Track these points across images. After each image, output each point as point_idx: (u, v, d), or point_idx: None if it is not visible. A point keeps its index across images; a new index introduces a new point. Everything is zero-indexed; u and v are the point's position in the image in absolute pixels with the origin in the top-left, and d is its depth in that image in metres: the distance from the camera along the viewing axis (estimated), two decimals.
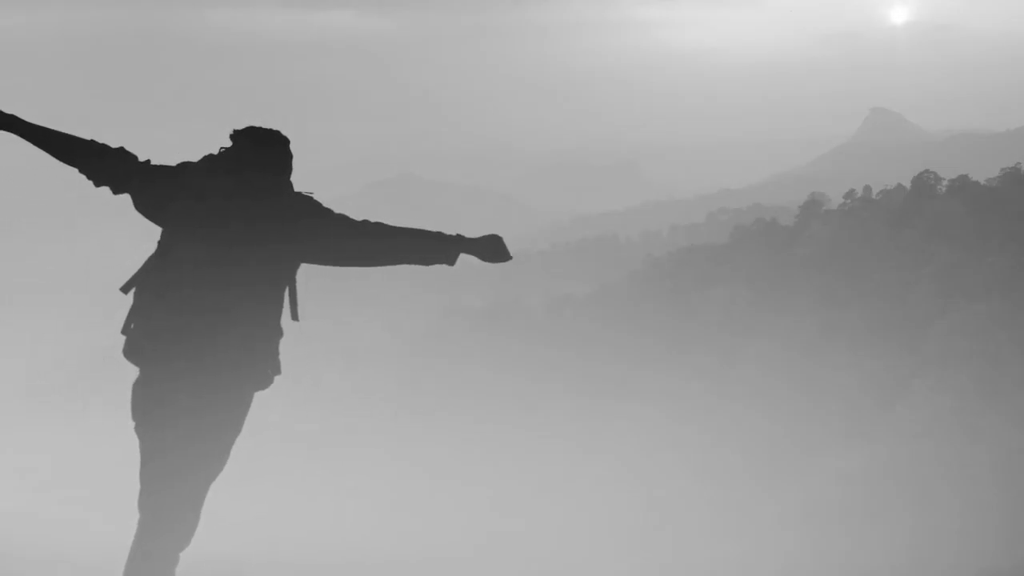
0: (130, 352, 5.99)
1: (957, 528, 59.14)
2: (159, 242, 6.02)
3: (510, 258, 6.12)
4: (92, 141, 6.02)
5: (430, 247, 6.07)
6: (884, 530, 61.62)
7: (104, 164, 5.97)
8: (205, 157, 6.06)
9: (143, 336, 5.94)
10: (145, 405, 5.98)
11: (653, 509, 70.02)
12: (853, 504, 64.97)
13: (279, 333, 6.13)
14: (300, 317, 6.27)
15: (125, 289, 6.01)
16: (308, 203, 6.08)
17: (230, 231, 5.93)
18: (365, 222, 6.09)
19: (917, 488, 64.73)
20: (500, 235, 6.11)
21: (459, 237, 6.10)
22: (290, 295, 6.16)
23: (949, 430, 68.36)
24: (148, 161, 6.04)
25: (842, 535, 61.67)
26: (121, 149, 6.03)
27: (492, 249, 6.06)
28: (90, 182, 6.13)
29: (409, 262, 6.13)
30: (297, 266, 6.14)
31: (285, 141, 6.13)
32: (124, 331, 6.00)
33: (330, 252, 6.06)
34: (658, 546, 61.92)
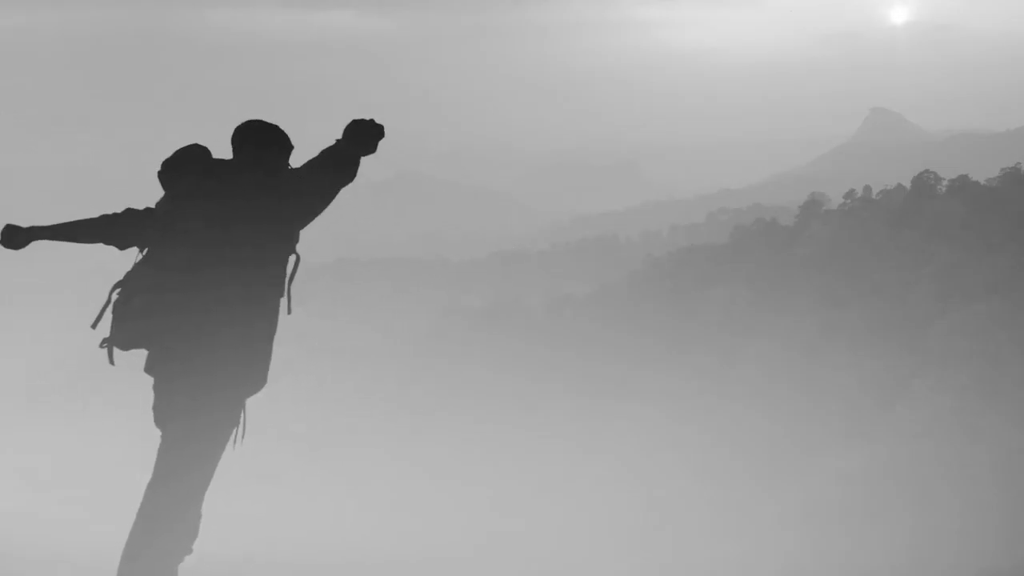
0: (147, 367, 6.05)
1: (957, 528, 59.13)
2: (147, 251, 6.07)
3: (381, 135, 6.13)
4: (102, 216, 6.14)
5: (338, 165, 6.23)
6: (884, 530, 61.61)
7: (121, 231, 6.13)
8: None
9: (140, 340, 5.98)
10: (154, 409, 6.03)
11: (653, 509, 70.01)
12: (853, 504, 64.95)
13: (273, 334, 6.14)
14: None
15: (94, 324, 6.12)
16: (291, 186, 6.15)
17: (227, 232, 5.95)
18: (308, 170, 6.21)
19: (917, 488, 64.72)
20: (365, 117, 6.12)
21: (339, 143, 6.24)
22: (286, 292, 6.20)
23: (949, 430, 68.35)
24: (149, 208, 6.16)
25: (842, 535, 61.65)
26: (128, 210, 6.15)
27: (359, 137, 6.15)
28: (115, 249, 6.31)
29: (343, 186, 6.27)
30: (293, 264, 6.18)
31: (280, 141, 6.17)
32: (102, 344, 6.05)
33: (302, 217, 6.20)
34: (658, 546, 61.91)
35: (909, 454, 67.37)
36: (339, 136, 6.29)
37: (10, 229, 5.95)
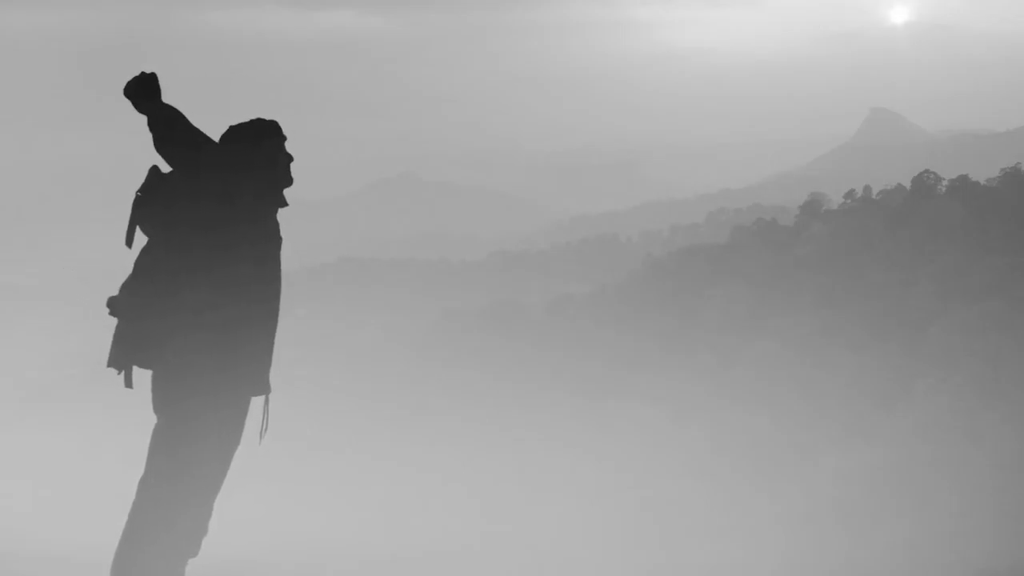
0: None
1: (955, 528, 59.16)
2: (136, 261, 6.06)
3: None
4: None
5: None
6: (883, 530, 61.63)
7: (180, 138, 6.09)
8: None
9: (131, 351, 5.97)
10: (152, 402, 6.03)
11: (653, 509, 70.01)
12: (853, 504, 64.97)
13: (273, 333, 6.13)
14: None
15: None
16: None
17: (221, 235, 5.94)
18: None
19: (916, 488, 64.74)
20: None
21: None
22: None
23: (948, 430, 68.36)
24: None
25: (841, 535, 61.67)
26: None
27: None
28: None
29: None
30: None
31: (256, 137, 6.11)
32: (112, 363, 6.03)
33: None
34: (658, 546, 61.92)
35: (908, 454, 67.38)
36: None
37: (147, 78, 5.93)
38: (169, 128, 5.89)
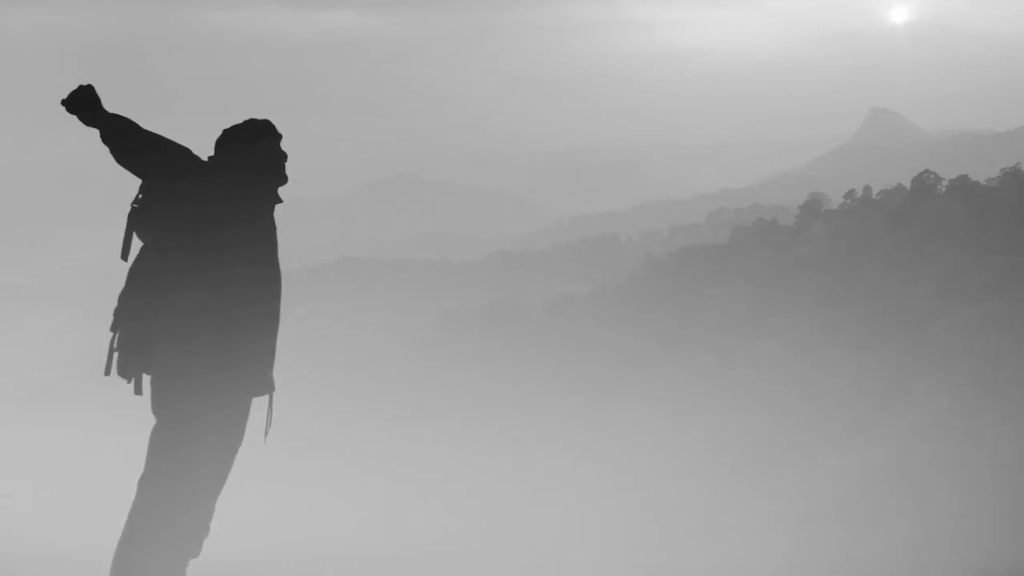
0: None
1: (955, 528, 59.13)
2: (134, 263, 6.05)
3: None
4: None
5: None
6: (883, 530, 61.61)
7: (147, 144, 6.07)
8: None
9: (140, 344, 5.96)
10: (152, 402, 6.03)
11: (653, 509, 69.99)
12: (852, 504, 64.94)
13: (275, 333, 6.13)
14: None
15: (107, 371, 6.14)
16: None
17: (221, 236, 5.93)
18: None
19: (916, 488, 64.71)
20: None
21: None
22: None
23: (948, 430, 68.33)
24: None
25: (841, 535, 61.64)
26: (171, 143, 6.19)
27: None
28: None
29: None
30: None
31: (252, 137, 6.10)
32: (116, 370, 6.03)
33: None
34: (658, 546, 61.89)
35: (908, 454, 67.35)
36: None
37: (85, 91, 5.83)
38: (124, 137, 5.80)
